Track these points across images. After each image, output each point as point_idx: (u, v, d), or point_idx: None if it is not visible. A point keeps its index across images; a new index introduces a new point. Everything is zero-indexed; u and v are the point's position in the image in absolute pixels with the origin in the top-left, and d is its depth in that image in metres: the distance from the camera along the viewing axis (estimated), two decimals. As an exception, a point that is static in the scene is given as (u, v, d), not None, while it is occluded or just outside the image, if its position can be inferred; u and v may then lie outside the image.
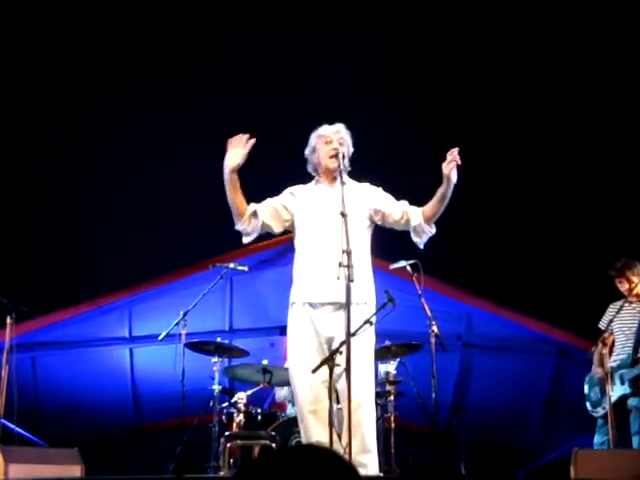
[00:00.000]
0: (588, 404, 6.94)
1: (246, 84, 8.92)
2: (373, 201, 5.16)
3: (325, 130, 5.20)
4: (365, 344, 4.89)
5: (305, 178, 5.33)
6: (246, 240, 5.24)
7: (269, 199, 5.24)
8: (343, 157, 5.04)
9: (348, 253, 4.63)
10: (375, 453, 4.87)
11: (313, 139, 5.22)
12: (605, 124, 8.73)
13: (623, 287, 6.86)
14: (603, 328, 6.78)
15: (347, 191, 4.99)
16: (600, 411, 6.77)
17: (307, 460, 2.18)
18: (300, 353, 4.98)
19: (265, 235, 5.46)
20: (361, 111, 8.27)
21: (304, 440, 4.99)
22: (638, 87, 8.57)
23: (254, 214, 5.12)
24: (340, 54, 8.80)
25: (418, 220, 5.08)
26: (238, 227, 5.15)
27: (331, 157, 5.08)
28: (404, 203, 5.16)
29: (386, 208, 5.13)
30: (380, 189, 5.25)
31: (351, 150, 5.19)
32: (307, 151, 5.25)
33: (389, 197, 5.21)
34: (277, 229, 5.23)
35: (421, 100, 8.81)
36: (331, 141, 5.12)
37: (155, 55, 8.90)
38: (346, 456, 4.48)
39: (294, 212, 5.17)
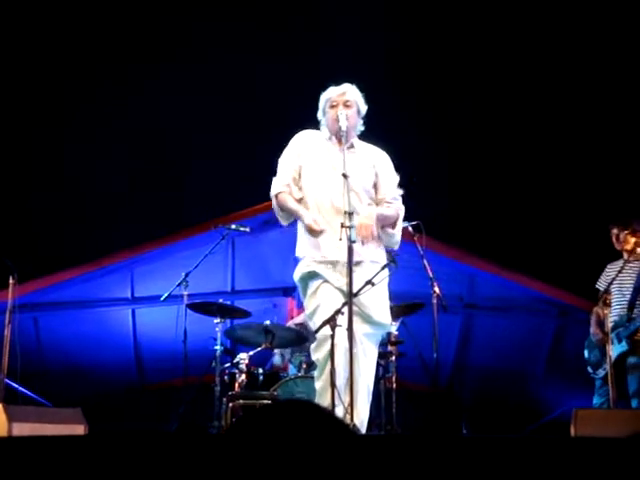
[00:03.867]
0: (589, 367, 6.97)
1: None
2: (378, 168, 5.20)
3: (331, 93, 5.20)
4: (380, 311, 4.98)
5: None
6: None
7: (285, 178, 5.21)
8: (346, 118, 5.04)
9: (350, 214, 4.70)
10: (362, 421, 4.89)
11: (322, 102, 5.23)
12: (605, 88, 8.68)
13: (620, 245, 6.81)
14: (602, 289, 6.78)
15: (355, 153, 5.11)
16: (601, 373, 6.78)
17: (300, 415, 2.19)
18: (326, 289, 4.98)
19: None
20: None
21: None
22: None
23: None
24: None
25: None
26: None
27: (334, 120, 5.09)
28: (391, 194, 5.20)
29: (379, 185, 5.19)
30: (390, 162, 5.29)
31: (363, 108, 5.20)
32: (319, 114, 5.26)
33: (391, 177, 5.25)
34: None
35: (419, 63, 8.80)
36: (337, 104, 5.13)
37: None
38: (348, 416, 4.53)
39: (300, 167, 5.17)
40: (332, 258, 4.94)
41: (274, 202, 5.20)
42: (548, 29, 8.72)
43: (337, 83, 5.23)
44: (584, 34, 8.58)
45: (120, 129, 8.79)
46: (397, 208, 5.19)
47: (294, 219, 5.20)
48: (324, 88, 5.26)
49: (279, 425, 2.23)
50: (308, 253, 5.05)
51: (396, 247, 5.23)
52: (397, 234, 5.17)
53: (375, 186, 5.19)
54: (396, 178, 5.28)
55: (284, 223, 5.27)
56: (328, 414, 2.35)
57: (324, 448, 2.29)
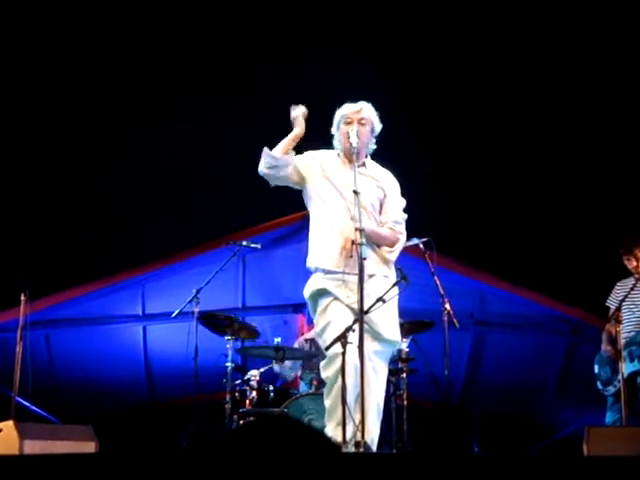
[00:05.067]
0: (599, 383, 6.97)
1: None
2: (386, 190, 5.21)
3: (346, 110, 5.21)
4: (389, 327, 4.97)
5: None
6: (273, 182, 5.20)
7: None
8: (358, 136, 5.05)
9: (361, 231, 4.74)
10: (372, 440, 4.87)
11: (337, 118, 5.25)
12: (620, 103, 8.67)
13: (631, 264, 6.90)
14: (613, 307, 6.81)
15: (366, 172, 5.15)
16: (611, 389, 6.79)
17: (287, 432, 2.19)
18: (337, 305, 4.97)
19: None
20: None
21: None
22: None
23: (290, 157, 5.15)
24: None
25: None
26: (268, 159, 5.13)
27: (346, 137, 5.11)
28: (397, 217, 5.20)
29: (384, 206, 5.20)
30: (398, 186, 5.30)
31: (377, 127, 5.22)
32: (333, 129, 5.28)
33: (397, 200, 5.26)
34: (296, 180, 5.23)
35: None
36: (352, 121, 5.15)
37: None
38: (358, 434, 4.52)
39: (309, 178, 5.18)
40: (343, 270, 4.95)
41: (264, 161, 5.13)
42: (559, 43, 8.72)
43: (342, 102, 5.26)
44: (590, 48, 8.58)
45: (129, 144, 8.81)
46: (397, 231, 5.18)
47: (285, 165, 5.14)
48: (336, 101, 5.28)
49: (263, 442, 2.25)
50: (320, 263, 5.05)
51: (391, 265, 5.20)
52: (393, 254, 5.14)
53: (380, 207, 5.20)
54: (402, 203, 5.28)
55: (273, 181, 5.22)
56: (311, 431, 2.35)
57: (308, 466, 2.30)
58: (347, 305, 4.92)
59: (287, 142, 5.15)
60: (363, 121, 5.15)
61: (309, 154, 5.26)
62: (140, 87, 8.80)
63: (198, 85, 8.92)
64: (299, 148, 5.26)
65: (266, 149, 5.12)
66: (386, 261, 5.09)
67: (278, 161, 5.11)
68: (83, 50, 8.68)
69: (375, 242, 5.04)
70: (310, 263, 5.12)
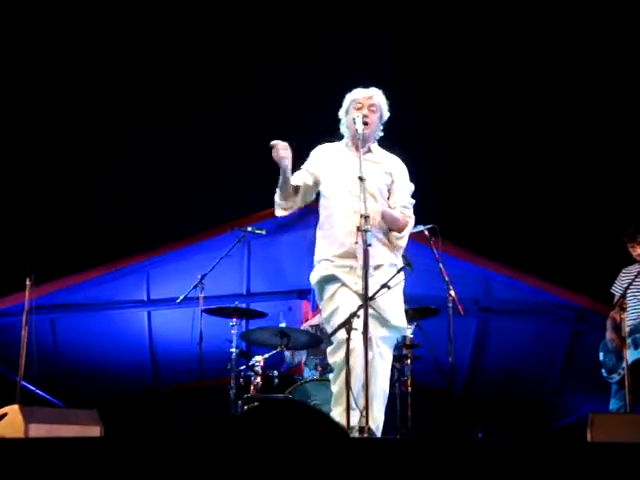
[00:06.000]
0: (603, 371, 6.97)
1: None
2: (394, 175, 5.19)
3: (357, 94, 5.18)
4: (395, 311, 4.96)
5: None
6: (282, 214, 5.25)
7: (302, 171, 5.24)
8: (367, 124, 5.03)
9: (366, 217, 4.69)
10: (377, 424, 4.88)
11: (347, 102, 5.22)
12: (622, 84, 8.64)
13: (635, 252, 6.90)
14: (617, 293, 6.81)
15: (372, 158, 5.12)
16: (615, 377, 6.79)
17: (293, 416, 2.20)
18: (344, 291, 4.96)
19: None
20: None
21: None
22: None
23: (296, 190, 5.17)
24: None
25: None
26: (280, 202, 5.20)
27: (353, 122, 5.08)
28: (405, 202, 5.19)
29: (392, 192, 5.18)
30: (406, 171, 5.27)
31: (386, 115, 5.20)
32: (341, 112, 5.25)
33: (404, 185, 5.24)
34: (311, 198, 5.27)
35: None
36: (362, 107, 5.12)
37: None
38: (363, 419, 4.52)
39: (318, 173, 5.17)
40: (352, 260, 4.93)
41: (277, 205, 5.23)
42: (564, 29, 8.69)
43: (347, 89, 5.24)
44: (596, 31, 8.55)
45: (136, 128, 8.81)
46: (407, 216, 5.17)
47: (289, 200, 5.18)
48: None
49: (269, 426, 2.25)
50: (326, 255, 5.04)
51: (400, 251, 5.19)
52: (402, 240, 5.13)
53: (389, 192, 5.18)
54: (410, 187, 5.27)
55: (281, 212, 5.26)
56: (317, 413, 2.35)
57: (317, 450, 2.31)
58: (355, 292, 4.90)
59: (281, 183, 5.12)
60: (373, 107, 5.12)
61: (313, 155, 5.26)
62: (140, 87, 8.79)
63: (198, 85, 8.91)
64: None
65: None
66: (395, 247, 5.08)
67: (287, 205, 5.21)
68: (83, 50, 8.67)
69: (388, 224, 5.02)
70: (317, 257, 5.12)
